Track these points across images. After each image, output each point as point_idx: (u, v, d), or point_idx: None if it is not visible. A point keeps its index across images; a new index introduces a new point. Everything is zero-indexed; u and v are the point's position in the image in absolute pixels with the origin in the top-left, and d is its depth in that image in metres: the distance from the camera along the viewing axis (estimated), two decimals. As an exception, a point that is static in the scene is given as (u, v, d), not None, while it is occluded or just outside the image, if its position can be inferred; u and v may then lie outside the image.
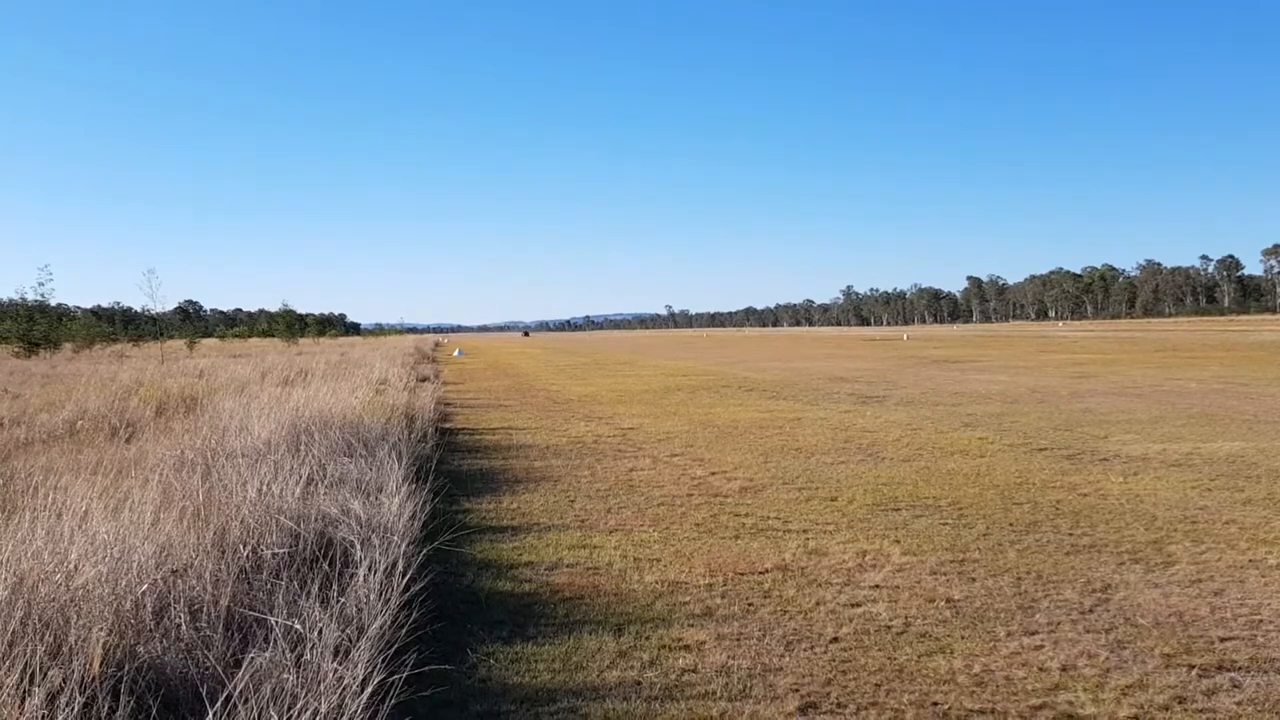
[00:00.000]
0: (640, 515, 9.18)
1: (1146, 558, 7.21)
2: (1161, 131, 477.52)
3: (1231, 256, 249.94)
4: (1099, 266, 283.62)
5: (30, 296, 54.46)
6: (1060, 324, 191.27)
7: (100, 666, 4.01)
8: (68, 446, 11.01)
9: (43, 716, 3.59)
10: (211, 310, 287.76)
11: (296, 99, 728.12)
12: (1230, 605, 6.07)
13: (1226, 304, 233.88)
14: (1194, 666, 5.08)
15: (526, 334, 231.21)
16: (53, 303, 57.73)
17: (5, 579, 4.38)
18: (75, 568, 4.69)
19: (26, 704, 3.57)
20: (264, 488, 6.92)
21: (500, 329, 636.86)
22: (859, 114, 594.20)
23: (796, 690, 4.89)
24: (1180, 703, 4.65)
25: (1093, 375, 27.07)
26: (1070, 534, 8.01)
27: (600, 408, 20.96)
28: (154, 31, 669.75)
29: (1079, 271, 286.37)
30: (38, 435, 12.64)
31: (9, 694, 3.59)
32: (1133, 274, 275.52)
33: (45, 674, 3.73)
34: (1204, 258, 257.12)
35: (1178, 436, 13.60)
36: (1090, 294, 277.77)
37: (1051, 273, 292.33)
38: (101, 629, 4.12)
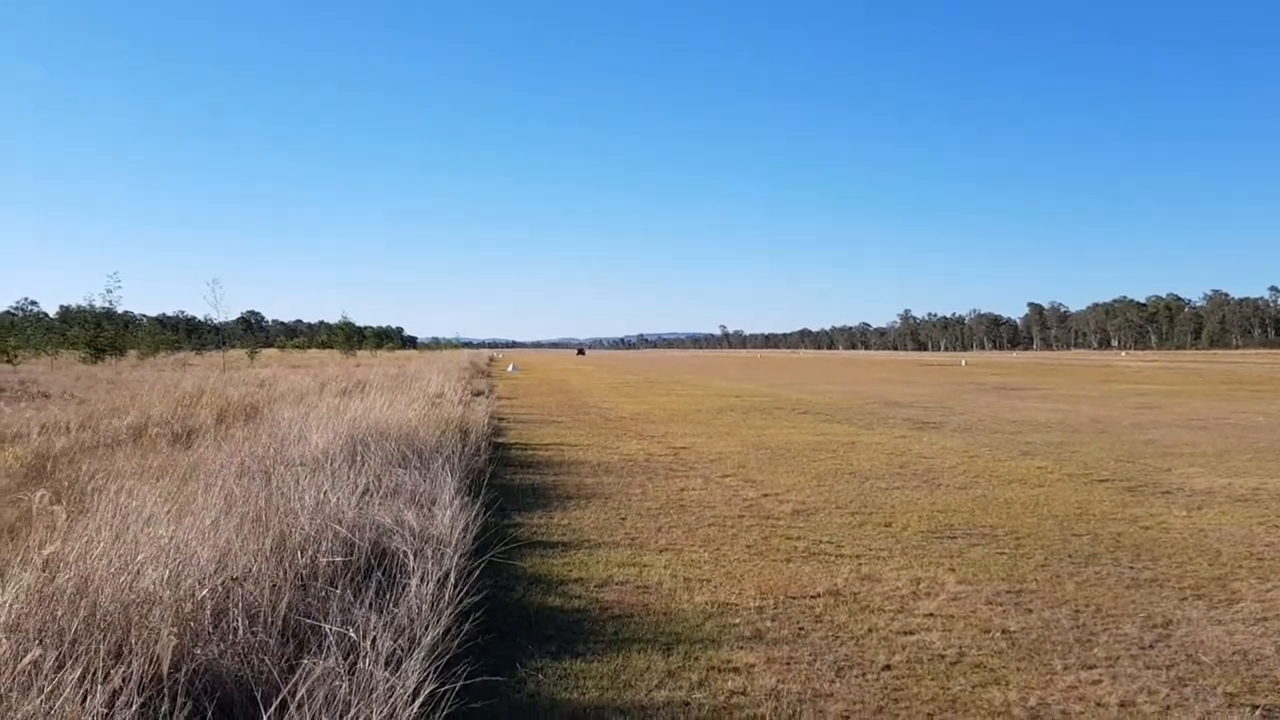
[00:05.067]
0: (691, 535, 9.16)
1: (1210, 594, 7.04)
2: (1229, 158, 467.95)
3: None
4: (1164, 296, 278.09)
5: (98, 303, 55.86)
6: (1123, 353, 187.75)
7: (168, 668, 4.08)
8: (132, 451, 11.25)
9: (103, 715, 3.65)
10: (273, 321, 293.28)
11: (361, 114, 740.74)
12: (1298, 646, 5.90)
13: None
14: (1258, 707, 4.94)
15: (581, 352, 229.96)
16: (119, 310, 58.99)
17: (72, 578, 4.49)
18: (139, 570, 4.78)
19: (88, 703, 3.64)
20: (321, 497, 7.02)
21: (554, 346, 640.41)
22: (918, 137, 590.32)
23: (847, 717, 4.83)
24: (1244, 744, 4.52)
25: (1156, 406, 26.52)
26: (1131, 567, 7.84)
27: (652, 426, 20.98)
28: (216, 39, 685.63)
29: (1143, 300, 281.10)
30: (103, 440, 12.95)
31: (69, 690, 3.66)
32: (1199, 304, 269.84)
33: (107, 674, 3.80)
34: (1273, 289, 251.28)
35: (1244, 471, 13.26)
36: (1155, 324, 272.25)
37: (1115, 301, 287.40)
38: (172, 631, 4.20)
